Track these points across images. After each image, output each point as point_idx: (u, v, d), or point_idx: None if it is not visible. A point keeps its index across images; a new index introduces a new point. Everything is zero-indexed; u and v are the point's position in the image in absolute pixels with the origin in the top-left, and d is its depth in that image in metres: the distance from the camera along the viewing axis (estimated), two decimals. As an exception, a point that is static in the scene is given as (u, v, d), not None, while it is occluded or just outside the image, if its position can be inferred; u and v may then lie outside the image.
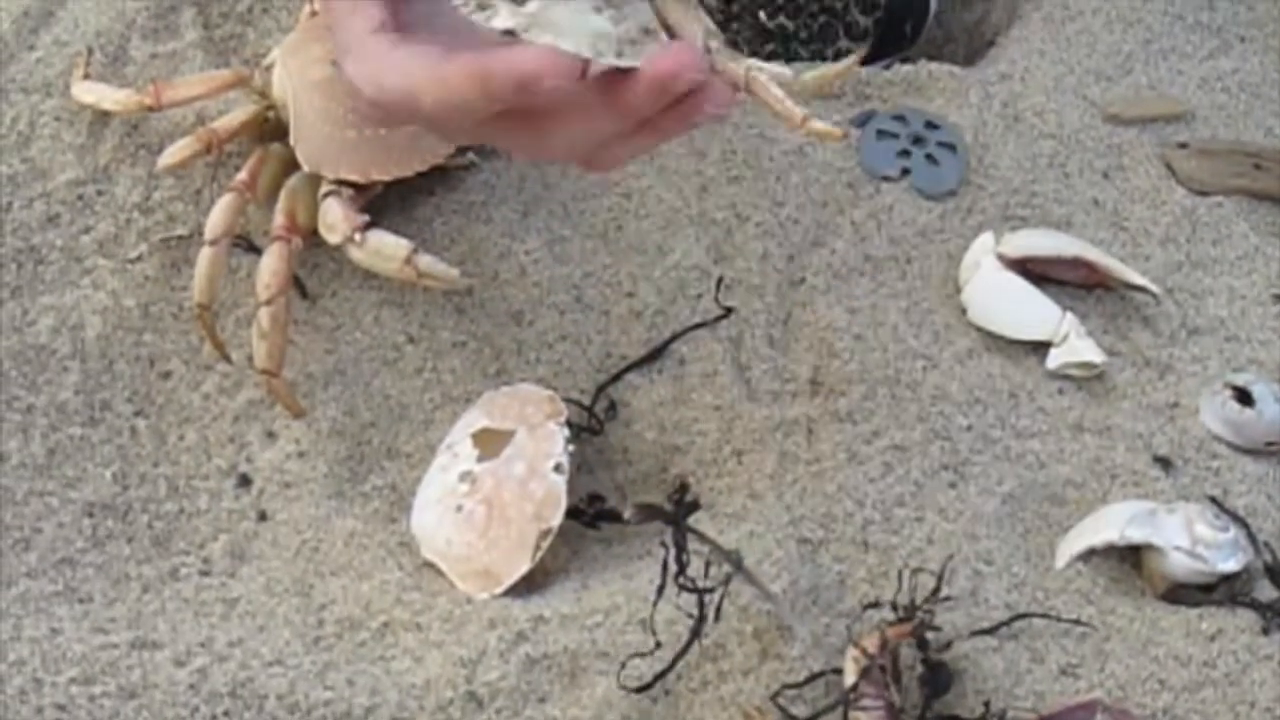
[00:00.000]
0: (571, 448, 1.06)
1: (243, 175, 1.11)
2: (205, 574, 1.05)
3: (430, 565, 1.05)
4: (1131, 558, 1.06)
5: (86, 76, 1.17)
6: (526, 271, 1.14)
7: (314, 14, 1.21)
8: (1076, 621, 1.02)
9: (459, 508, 1.05)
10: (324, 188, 1.11)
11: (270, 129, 1.15)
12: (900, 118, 1.24)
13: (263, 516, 1.07)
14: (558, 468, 1.05)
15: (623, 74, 0.79)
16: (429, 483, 1.08)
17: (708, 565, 0.98)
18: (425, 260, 1.08)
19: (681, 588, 0.96)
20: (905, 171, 1.21)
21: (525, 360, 1.12)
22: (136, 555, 1.06)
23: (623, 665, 0.98)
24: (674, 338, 1.13)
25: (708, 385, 1.11)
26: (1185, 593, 1.04)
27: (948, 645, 1.00)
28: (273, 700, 0.97)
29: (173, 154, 1.12)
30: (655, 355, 1.13)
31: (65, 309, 1.11)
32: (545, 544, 1.04)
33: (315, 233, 1.10)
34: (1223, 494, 1.10)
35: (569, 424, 1.07)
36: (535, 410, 1.07)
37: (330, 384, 1.10)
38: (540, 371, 1.12)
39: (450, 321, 1.13)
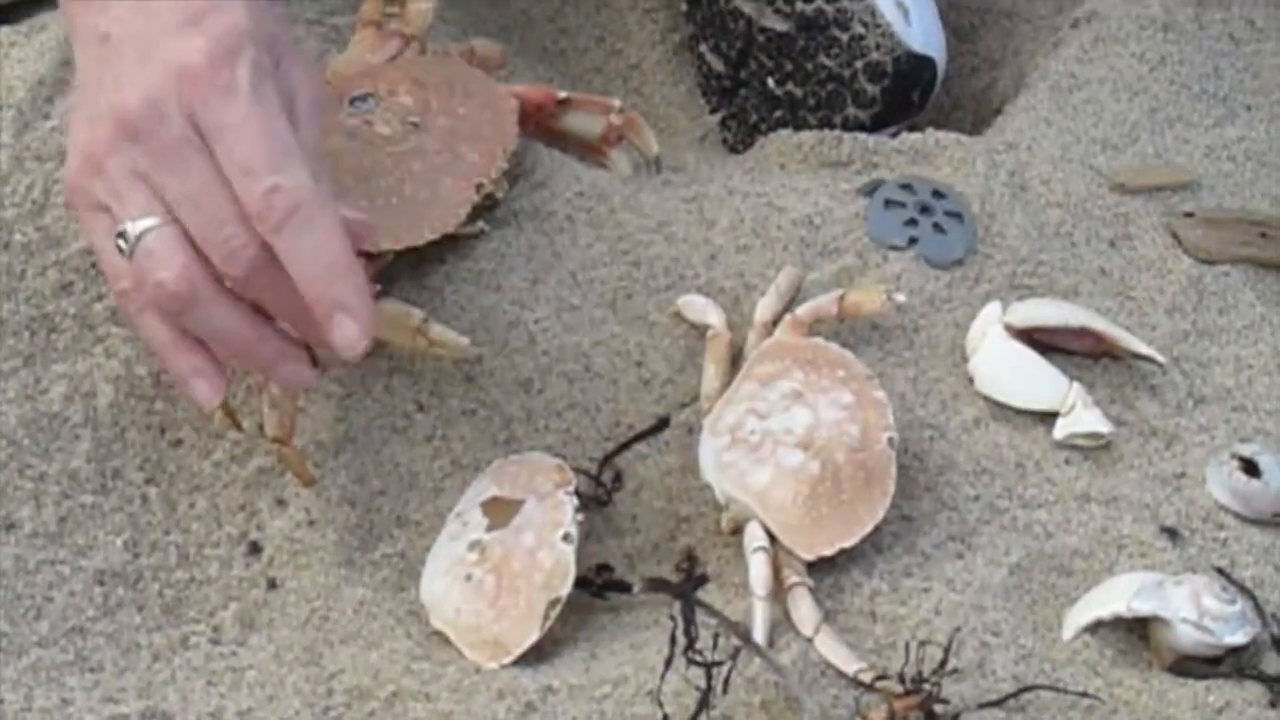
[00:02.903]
0: (580, 517, 1.06)
1: None
2: (215, 642, 1.06)
3: (439, 634, 1.05)
4: (1139, 629, 1.06)
5: (100, 144, 1.18)
6: (536, 340, 1.15)
7: (326, 83, 1.22)
8: (1084, 694, 1.02)
9: (468, 577, 1.06)
10: (335, 257, 1.11)
11: None
12: (907, 186, 1.25)
13: (272, 584, 1.08)
14: (566, 537, 1.05)
15: None
16: (438, 551, 1.08)
17: (716, 637, 0.98)
18: (436, 329, 1.09)
19: (690, 661, 0.97)
20: (913, 240, 1.22)
21: (534, 428, 1.13)
22: (147, 624, 1.06)
23: (630, 737, 0.98)
24: (682, 407, 1.14)
25: (716, 454, 1.12)
26: (1192, 665, 1.05)
27: (955, 717, 1.00)
28: (282, 770, 0.97)
29: None
30: (663, 425, 1.13)
31: (78, 377, 1.11)
32: (554, 614, 1.04)
33: None
34: (1230, 565, 1.10)
35: (578, 493, 1.08)
36: (544, 479, 1.08)
37: (340, 452, 1.11)
38: (549, 440, 1.13)
39: (460, 390, 1.13)
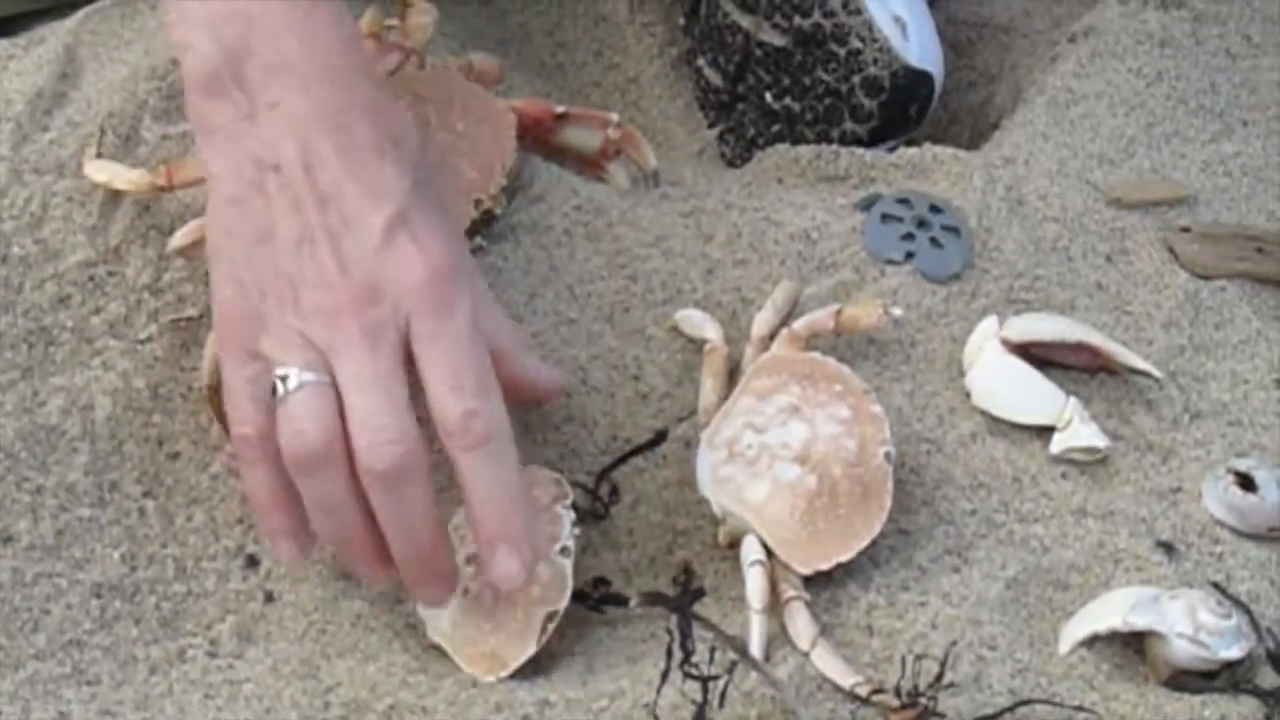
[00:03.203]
0: (577, 531, 1.06)
1: None
2: (212, 655, 1.06)
3: (436, 647, 1.05)
4: (1135, 643, 1.06)
5: (99, 155, 1.18)
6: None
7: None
8: (1080, 708, 1.02)
9: (465, 590, 1.06)
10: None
11: None
12: (905, 201, 1.25)
13: (270, 598, 1.08)
14: (564, 550, 1.05)
15: None
16: None
17: (713, 651, 0.98)
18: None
19: (686, 675, 0.97)
20: (910, 255, 1.22)
21: (532, 442, 1.13)
22: (144, 637, 1.06)
23: (627, 750, 0.99)
24: (679, 421, 1.14)
25: (713, 468, 1.12)
26: (1188, 679, 1.05)
27: (951, 732, 1.00)
28: (279, 784, 0.98)
29: (183, 236, 1.13)
30: (660, 438, 1.13)
31: (75, 390, 1.11)
32: (551, 626, 1.04)
33: None
34: (1225, 579, 1.10)
35: (575, 507, 1.08)
36: (542, 493, 1.08)
37: (338, 465, 1.11)
38: (546, 453, 1.13)
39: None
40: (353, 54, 1.02)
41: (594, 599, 1.07)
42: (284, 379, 0.97)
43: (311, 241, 0.98)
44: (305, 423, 0.97)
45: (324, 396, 0.97)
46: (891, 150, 1.32)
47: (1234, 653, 1.04)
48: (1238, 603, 1.08)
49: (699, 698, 0.98)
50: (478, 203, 1.17)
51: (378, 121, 1.01)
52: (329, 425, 0.97)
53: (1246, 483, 1.13)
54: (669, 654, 0.98)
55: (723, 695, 0.98)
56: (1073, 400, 1.15)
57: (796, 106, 1.36)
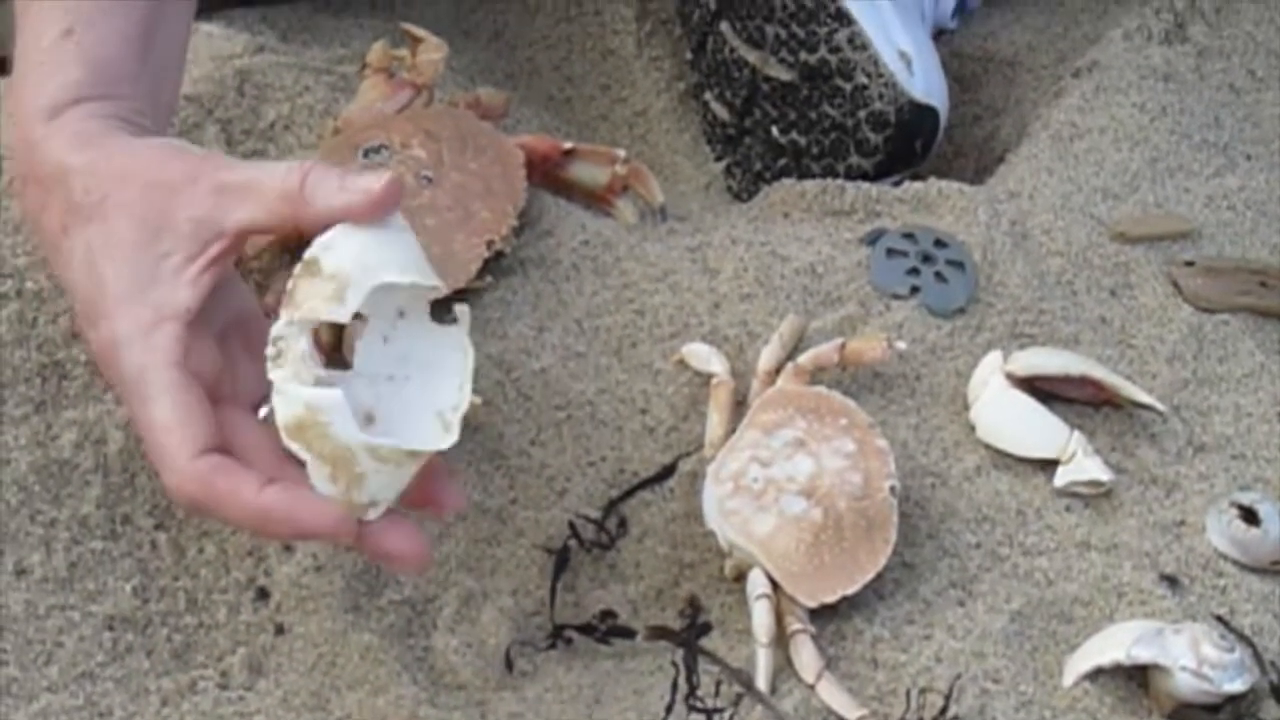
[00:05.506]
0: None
1: (269, 299, 1.12)
2: (223, 687, 1.06)
3: (445, 680, 1.06)
4: (1139, 676, 1.07)
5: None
6: (541, 387, 1.16)
7: (337, 131, 1.23)
8: (1083, 741, 1.03)
9: None
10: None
11: (296, 245, 1.16)
12: (910, 235, 1.26)
13: (280, 630, 1.09)
14: None
15: None
16: None
17: (718, 684, 0.99)
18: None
19: (692, 708, 0.98)
20: (915, 289, 1.23)
21: (539, 475, 1.14)
22: (156, 669, 1.07)
23: (634, 783, 0.99)
24: (686, 454, 1.15)
25: (720, 502, 1.12)
26: (1192, 713, 1.05)
27: (956, 764, 1.01)
28: (288, 815, 0.98)
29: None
30: (668, 472, 1.14)
31: (88, 423, 1.12)
32: None
33: (337, 350, 1.11)
34: (1229, 613, 1.11)
35: (579, 539, 1.08)
36: None
37: (348, 498, 1.12)
38: (555, 486, 1.13)
39: (465, 436, 1.13)
40: None
41: (601, 631, 1.08)
42: None
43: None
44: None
45: None
46: (897, 184, 1.32)
47: (1237, 686, 1.05)
48: (1241, 636, 1.09)
49: (705, 731, 0.99)
50: (490, 244, 1.18)
51: None
52: None
53: (1250, 516, 1.13)
54: (675, 687, 0.99)
55: (729, 728, 0.99)
56: (1076, 434, 1.16)
57: (802, 141, 1.37)
